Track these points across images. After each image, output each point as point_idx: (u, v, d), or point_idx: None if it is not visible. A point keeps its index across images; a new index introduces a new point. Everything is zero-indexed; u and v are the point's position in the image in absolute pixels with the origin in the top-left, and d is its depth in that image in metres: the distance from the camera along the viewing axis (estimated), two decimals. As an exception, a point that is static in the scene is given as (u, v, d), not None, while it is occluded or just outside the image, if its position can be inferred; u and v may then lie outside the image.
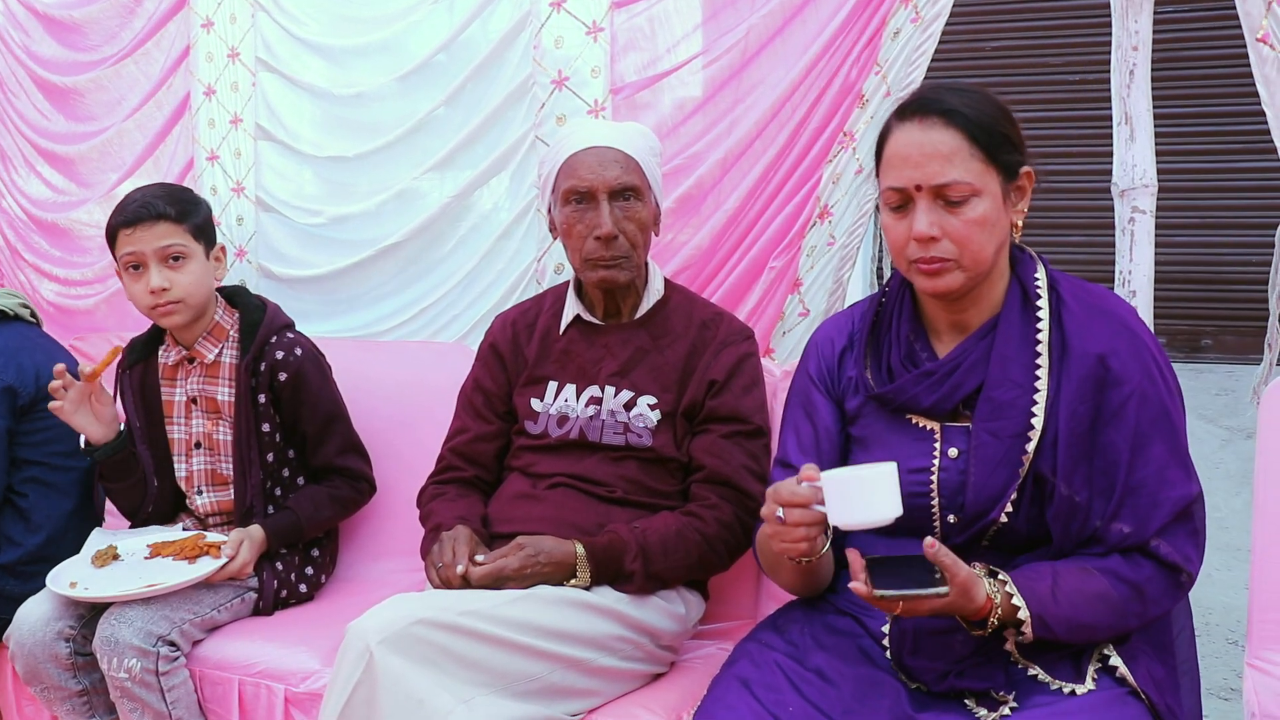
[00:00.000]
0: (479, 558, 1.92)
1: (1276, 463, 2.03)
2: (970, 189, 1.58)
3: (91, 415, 2.32)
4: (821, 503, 1.50)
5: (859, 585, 1.46)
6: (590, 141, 2.09)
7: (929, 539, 1.47)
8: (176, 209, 2.30)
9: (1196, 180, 6.30)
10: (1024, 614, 1.51)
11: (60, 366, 2.29)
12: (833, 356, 1.82)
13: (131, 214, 2.29)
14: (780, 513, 1.54)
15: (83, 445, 2.38)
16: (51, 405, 2.28)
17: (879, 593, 1.45)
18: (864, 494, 1.47)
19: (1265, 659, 1.94)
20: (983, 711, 1.54)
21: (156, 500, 2.45)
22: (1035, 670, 1.57)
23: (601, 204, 2.06)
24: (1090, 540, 1.59)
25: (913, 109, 1.63)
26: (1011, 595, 1.52)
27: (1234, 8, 2.11)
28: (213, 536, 2.31)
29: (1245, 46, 2.11)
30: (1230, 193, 6.44)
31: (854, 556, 1.50)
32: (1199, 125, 6.32)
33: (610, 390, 2.12)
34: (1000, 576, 1.54)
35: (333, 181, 3.05)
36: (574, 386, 2.15)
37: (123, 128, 3.26)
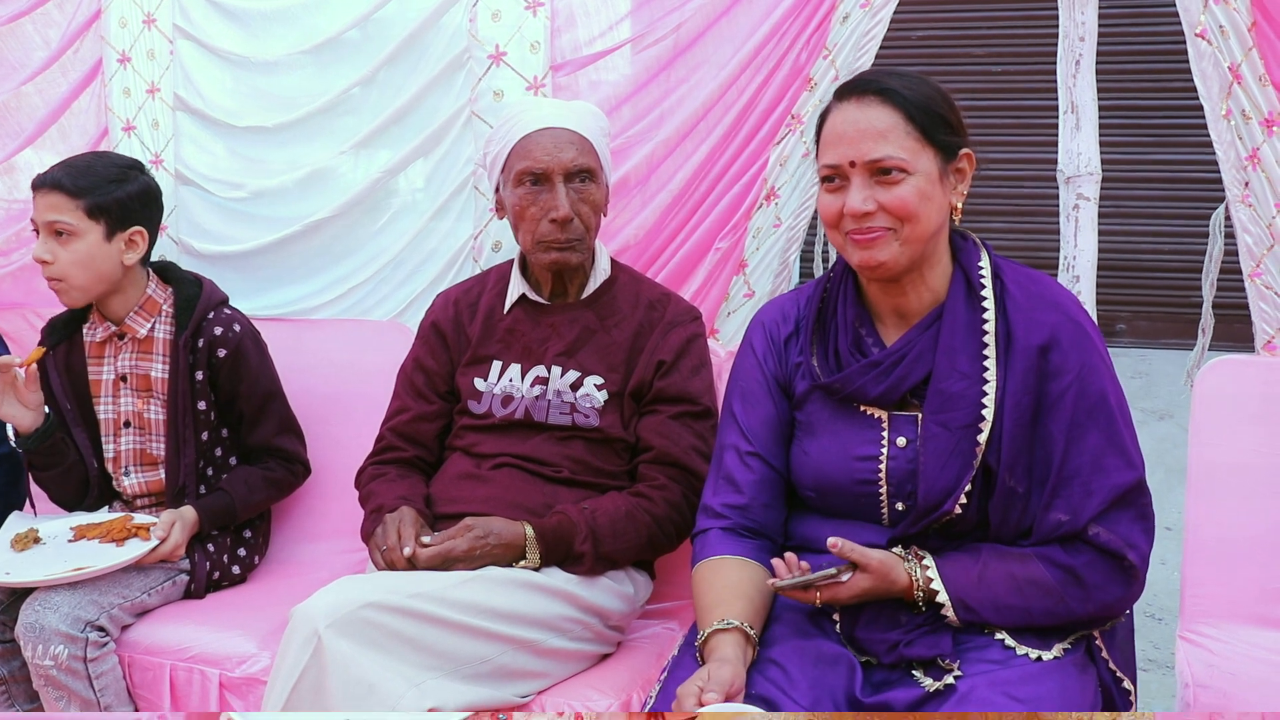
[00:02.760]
0: (425, 539, 1.89)
1: (1209, 443, 2.12)
2: (903, 165, 1.59)
3: (18, 404, 2.24)
4: None
5: (771, 582, 1.59)
6: (544, 122, 2.06)
7: (832, 539, 1.55)
8: (75, 183, 2.20)
9: (1118, 170, 6.48)
10: (942, 597, 1.57)
11: None
12: (779, 340, 1.82)
13: (38, 178, 2.22)
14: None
15: (12, 439, 2.29)
16: None
17: (777, 583, 1.58)
18: None
19: (1197, 631, 2.03)
20: (928, 680, 1.56)
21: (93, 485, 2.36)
22: (1002, 635, 1.60)
23: (557, 186, 2.03)
24: (1029, 530, 1.62)
25: (850, 89, 1.65)
26: (931, 580, 1.58)
27: (1174, 3, 2.17)
28: (141, 518, 2.23)
29: (1184, 41, 2.16)
30: (1150, 183, 6.63)
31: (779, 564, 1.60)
32: (1128, 117, 6.49)
33: (557, 370, 2.10)
34: (925, 561, 1.60)
35: (255, 156, 2.94)
36: (519, 366, 2.12)
37: (21, 93, 3.08)
